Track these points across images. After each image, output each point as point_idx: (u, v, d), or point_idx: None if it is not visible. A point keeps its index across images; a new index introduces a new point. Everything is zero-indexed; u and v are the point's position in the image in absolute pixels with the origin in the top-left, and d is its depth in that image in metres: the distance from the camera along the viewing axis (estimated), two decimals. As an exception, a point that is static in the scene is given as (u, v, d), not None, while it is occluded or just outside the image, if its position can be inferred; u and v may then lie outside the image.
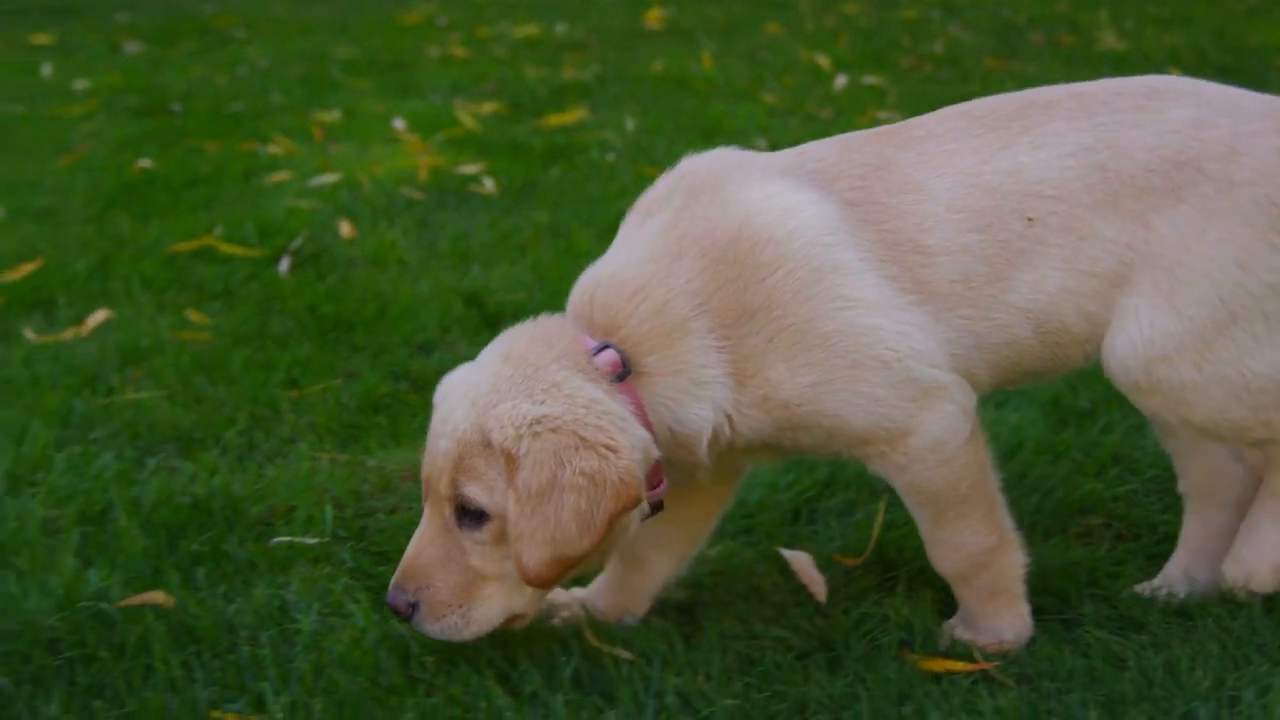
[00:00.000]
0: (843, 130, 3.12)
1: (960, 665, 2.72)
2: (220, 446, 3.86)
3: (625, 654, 2.78)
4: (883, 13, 12.19)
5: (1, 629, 2.91)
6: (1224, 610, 2.83)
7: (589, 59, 10.38)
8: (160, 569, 3.18)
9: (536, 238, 5.58)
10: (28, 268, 5.35)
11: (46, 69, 10.43)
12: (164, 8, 14.36)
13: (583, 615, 2.93)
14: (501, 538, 2.65)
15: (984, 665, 2.72)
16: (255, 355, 4.49)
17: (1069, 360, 2.82)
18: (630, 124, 7.85)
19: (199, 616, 2.96)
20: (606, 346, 2.71)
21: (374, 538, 3.36)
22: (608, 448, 2.58)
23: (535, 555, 2.58)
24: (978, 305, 2.72)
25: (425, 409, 2.98)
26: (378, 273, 5.31)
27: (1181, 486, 3.04)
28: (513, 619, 2.75)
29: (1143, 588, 2.99)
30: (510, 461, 2.59)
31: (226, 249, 5.59)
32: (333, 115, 8.38)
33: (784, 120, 7.72)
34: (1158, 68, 8.26)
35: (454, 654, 2.79)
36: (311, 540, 3.31)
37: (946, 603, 2.91)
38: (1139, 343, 2.67)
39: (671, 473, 2.81)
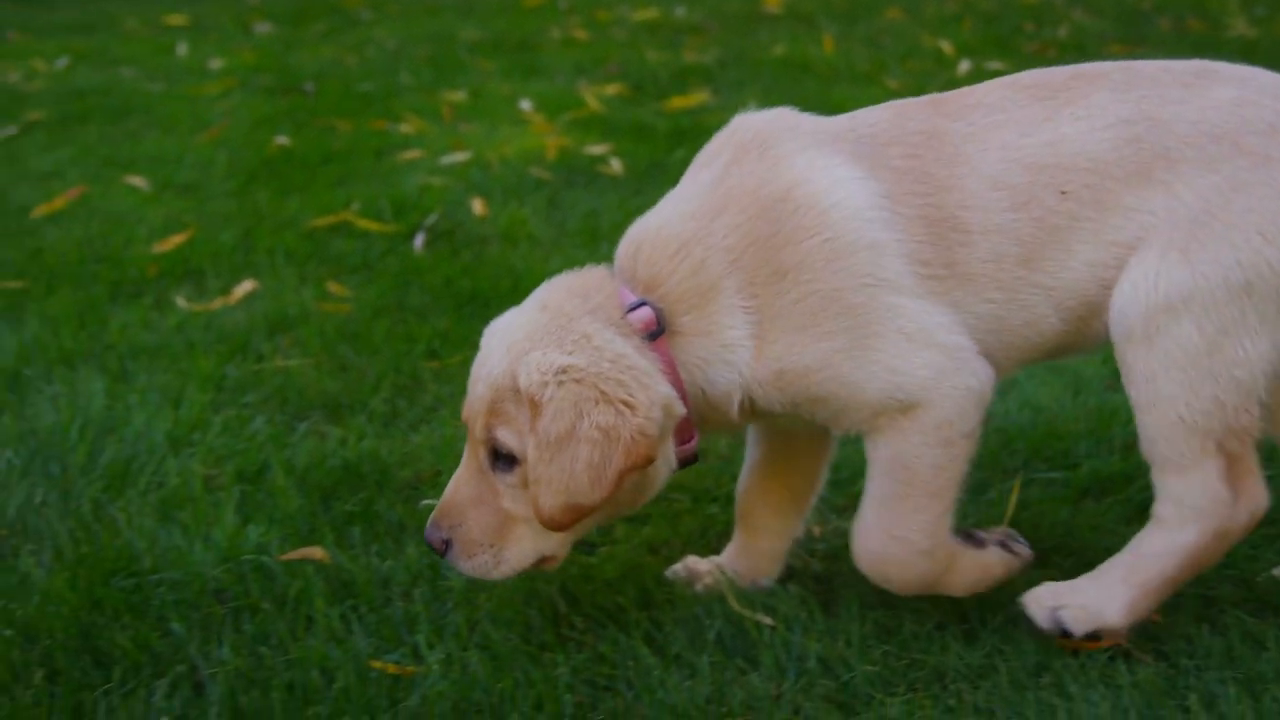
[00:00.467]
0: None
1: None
2: (367, 413, 4.00)
3: (766, 619, 2.86)
4: (1005, -3, 12.08)
5: (171, 578, 3.07)
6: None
7: (709, 42, 10.43)
8: (315, 527, 3.32)
9: (665, 218, 5.65)
10: (177, 239, 5.55)
11: (182, 49, 10.72)
12: (291, -11, 14.66)
13: (724, 582, 3.01)
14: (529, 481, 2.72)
15: (1121, 640, 2.75)
16: (395, 327, 4.62)
17: (1093, 334, 2.80)
18: (753, 107, 7.88)
19: (355, 572, 3.09)
20: (644, 303, 2.77)
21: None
22: (625, 403, 2.64)
23: (550, 501, 2.65)
24: (1005, 287, 2.74)
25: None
26: (510, 249, 5.42)
27: None
28: (544, 561, 2.83)
29: (1280, 570, 3.00)
30: (534, 408, 2.66)
31: (363, 224, 5.74)
32: (460, 95, 8.53)
33: (908, 105, 7.70)
34: (1291, 55, 8.12)
35: (603, 614, 2.89)
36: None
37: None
38: (1144, 289, 2.64)
39: (770, 431, 2.87)
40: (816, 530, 3.29)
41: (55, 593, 2.99)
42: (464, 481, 2.81)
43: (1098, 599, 2.72)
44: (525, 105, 8.08)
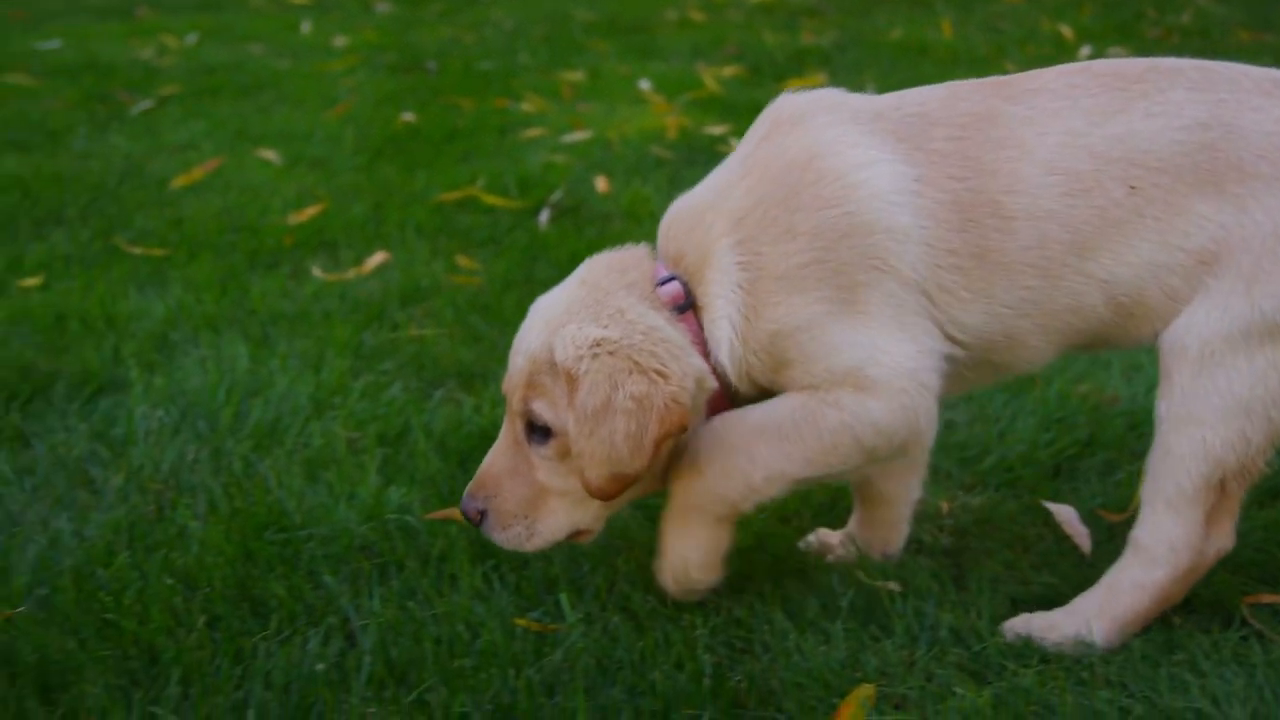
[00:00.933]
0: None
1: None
2: (499, 382, 4.09)
3: (897, 588, 2.91)
4: (1127, -18, 11.92)
5: (319, 534, 3.19)
6: None
7: (826, 25, 10.44)
8: (455, 489, 3.42)
9: (786, 198, 5.70)
10: (310, 211, 5.71)
11: (306, 26, 10.94)
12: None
13: (854, 553, 3.07)
14: (565, 453, 2.76)
15: (1253, 621, 2.77)
16: (525, 300, 4.67)
17: (1138, 334, 2.76)
18: (871, 90, 7.90)
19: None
20: (673, 278, 2.81)
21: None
22: (658, 373, 2.67)
23: (596, 473, 2.68)
24: (1049, 274, 2.70)
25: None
26: (634, 226, 5.50)
27: None
28: (577, 534, 2.87)
29: None
30: (570, 381, 2.69)
31: (489, 200, 5.86)
32: (578, 75, 8.63)
33: (1028, 89, 7.66)
34: None
35: (736, 580, 2.97)
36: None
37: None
38: (1207, 315, 2.62)
39: None
40: (945, 506, 3.33)
41: (213, 544, 3.13)
42: (501, 453, 2.86)
43: (1073, 633, 2.72)
44: (644, 85, 8.16)
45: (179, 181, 6.29)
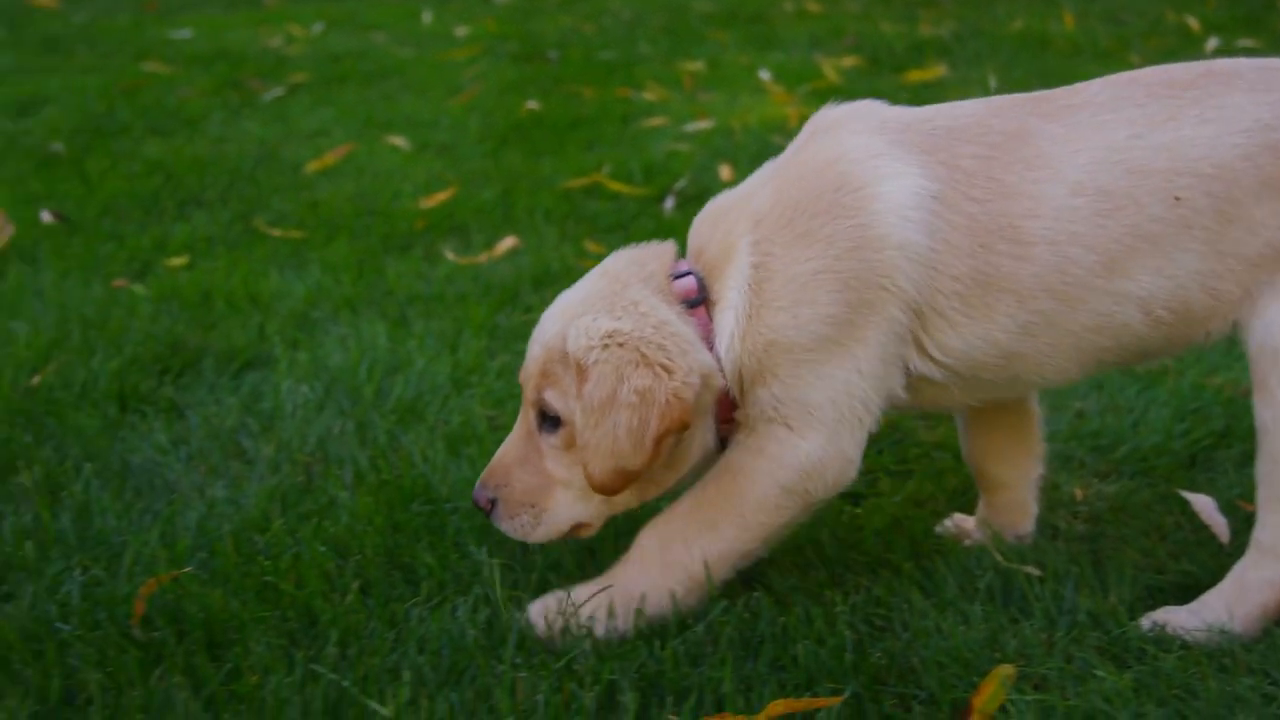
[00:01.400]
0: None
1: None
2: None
3: (1035, 571, 2.94)
4: (1255, -27, 11.70)
5: (464, 507, 3.28)
6: None
7: (944, 16, 10.39)
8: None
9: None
10: (441, 196, 5.83)
11: (427, 16, 11.12)
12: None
13: (991, 536, 3.09)
14: (572, 443, 2.75)
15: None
16: (653, 285, 4.79)
17: (1185, 340, 2.73)
18: (993, 82, 7.87)
19: (640, 515, 3.25)
20: (689, 273, 2.79)
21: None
22: (664, 367, 2.65)
23: (599, 466, 2.67)
24: (1067, 297, 2.64)
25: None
26: (759, 214, 5.54)
27: None
28: (579, 527, 2.86)
29: None
30: (580, 372, 2.68)
31: (614, 186, 5.94)
32: (698, 65, 8.69)
33: (1155, 81, 7.58)
34: None
35: (874, 561, 3.01)
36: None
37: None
38: None
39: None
40: (1079, 493, 3.35)
41: (362, 514, 3.24)
42: (514, 443, 2.87)
43: (1209, 623, 2.70)
44: (764, 76, 8.20)
45: (312, 166, 6.46)
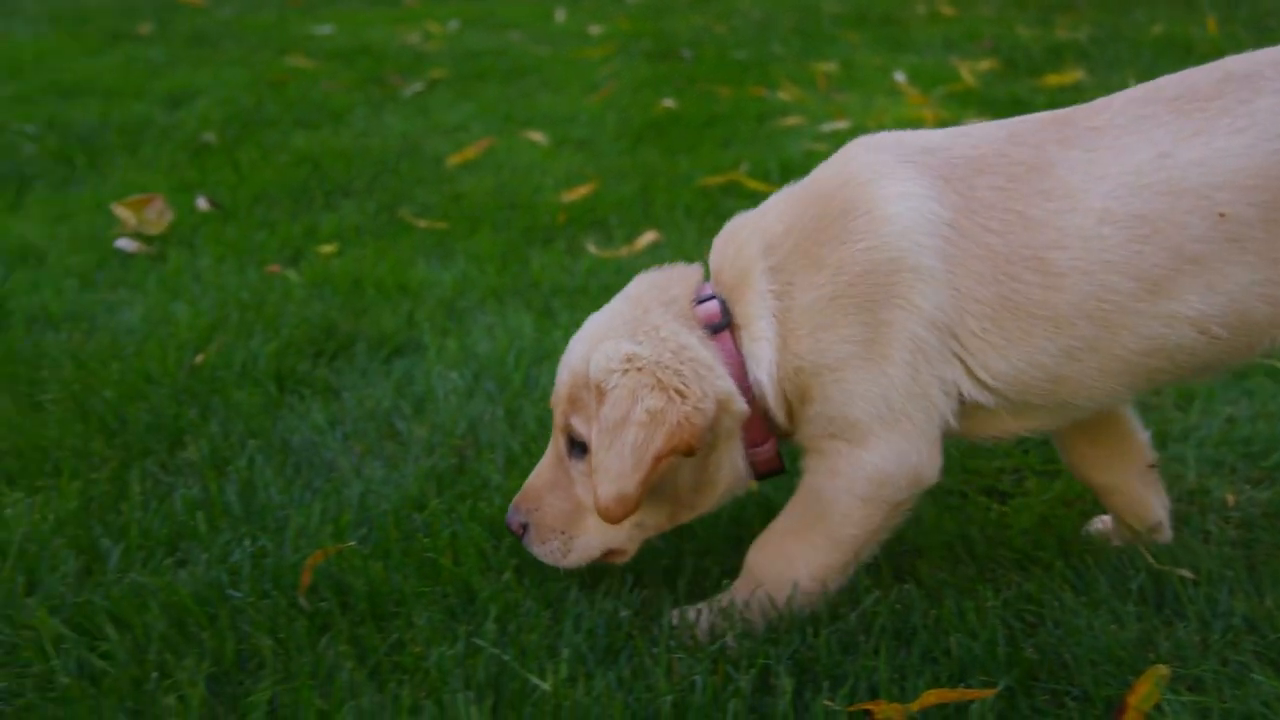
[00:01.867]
0: None
1: None
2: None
3: (1189, 574, 2.93)
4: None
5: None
6: None
7: (1081, 19, 10.27)
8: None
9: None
10: (581, 190, 5.92)
11: (560, 15, 11.26)
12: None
13: (1141, 538, 3.08)
14: None
15: None
16: (793, 282, 4.83)
17: (1251, 349, 2.65)
18: (1132, 84, 7.76)
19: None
20: (713, 297, 2.77)
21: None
22: (678, 391, 2.63)
23: (604, 489, 2.65)
24: (1108, 323, 2.59)
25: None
26: (897, 215, 5.55)
27: None
28: (612, 554, 2.86)
29: None
30: (599, 395, 2.68)
31: (752, 185, 5.98)
32: (831, 66, 8.70)
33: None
34: None
35: (1023, 558, 3.02)
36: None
37: None
38: None
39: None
40: (1230, 499, 3.32)
41: (510, 494, 3.31)
42: (545, 468, 2.87)
43: None
44: (899, 78, 8.18)
45: (454, 160, 6.59)
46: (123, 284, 5.03)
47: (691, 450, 2.66)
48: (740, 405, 2.72)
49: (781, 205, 2.78)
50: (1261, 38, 9.10)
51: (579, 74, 8.64)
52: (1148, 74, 8.16)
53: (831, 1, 11.53)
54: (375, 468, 3.54)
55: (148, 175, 6.50)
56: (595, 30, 10.38)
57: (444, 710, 2.54)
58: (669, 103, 7.61)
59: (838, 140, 6.62)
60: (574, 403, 2.77)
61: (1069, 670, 2.65)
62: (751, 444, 2.79)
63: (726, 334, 2.76)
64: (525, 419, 3.79)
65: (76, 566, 3.06)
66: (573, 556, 2.84)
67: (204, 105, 8.03)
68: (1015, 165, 2.64)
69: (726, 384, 2.70)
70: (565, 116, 7.46)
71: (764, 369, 2.73)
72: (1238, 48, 8.26)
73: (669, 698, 2.54)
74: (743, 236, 2.78)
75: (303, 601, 2.90)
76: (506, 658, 2.67)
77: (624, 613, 2.84)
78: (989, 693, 2.54)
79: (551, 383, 3.98)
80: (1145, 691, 2.55)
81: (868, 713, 2.52)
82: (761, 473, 2.86)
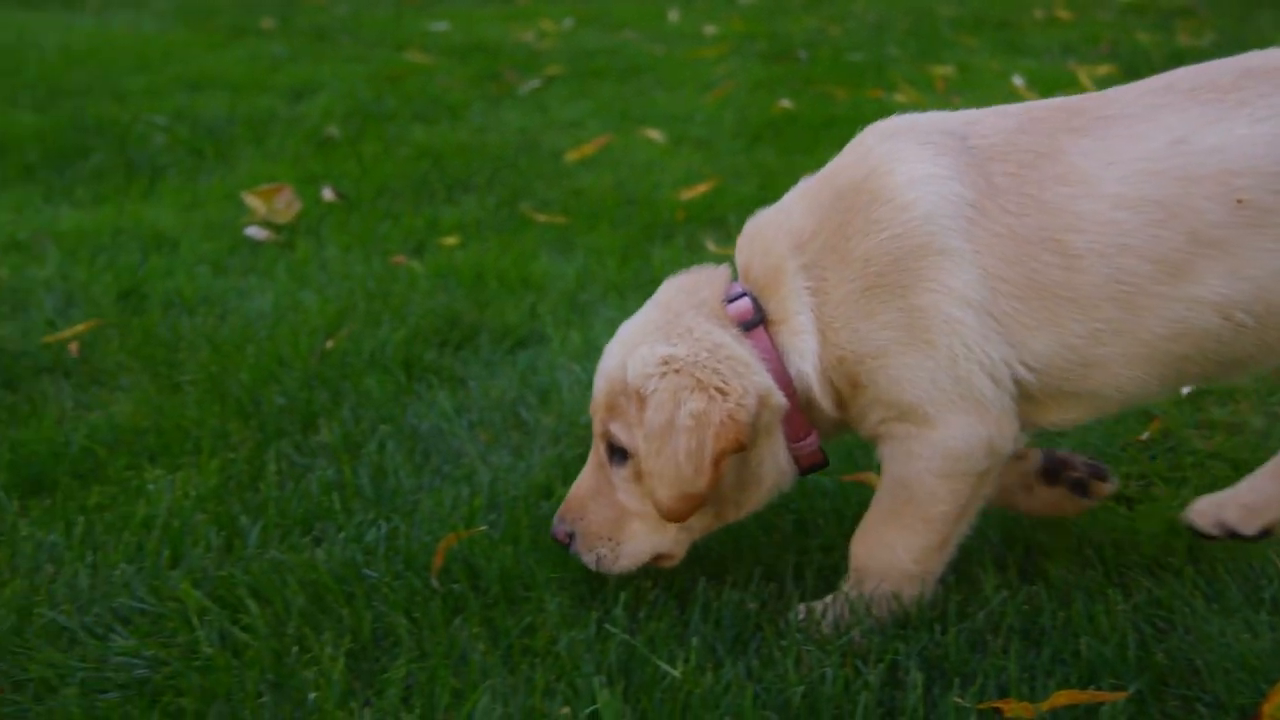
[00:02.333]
0: None
1: None
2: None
3: (1328, 586, 2.90)
4: None
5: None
6: None
7: (1203, 26, 10.11)
8: (867, 454, 3.57)
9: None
10: (700, 188, 5.96)
11: (674, 15, 11.31)
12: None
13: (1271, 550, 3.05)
14: (640, 475, 2.76)
15: None
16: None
17: None
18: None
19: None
20: (744, 294, 2.77)
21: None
22: (719, 390, 2.65)
23: (664, 493, 2.69)
24: (1132, 305, 2.59)
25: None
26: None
27: None
28: (660, 558, 2.87)
29: None
30: (639, 400, 2.70)
31: (870, 186, 5.98)
32: (948, 69, 8.65)
33: None
34: None
35: (1151, 563, 3.01)
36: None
37: None
38: None
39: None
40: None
41: (641, 487, 3.36)
42: (587, 476, 2.88)
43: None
44: (1018, 81, 8.12)
45: (572, 156, 6.66)
46: (253, 271, 5.16)
47: (743, 446, 2.69)
48: (779, 399, 2.74)
49: (805, 200, 2.80)
50: (1392, 46, 8.90)
51: (694, 73, 8.68)
52: (1274, 81, 7.99)
53: (946, 4, 11.46)
54: (502, 455, 3.60)
55: (274, 166, 6.66)
56: (709, 30, 10.42)
57: (577, 693, 2.59)
58: (786, 103, 7.63)
59: (956, 143, 6.64)
60: (612, 409, 2.80)
61: (1200, 677, 2.64)
62: (794, 439, 2.82)
63: (761, 330, 2.78)
64: (649, 412, 3.82)
65: (218, 542, 3.16)
66: (622, 562, 2.86)
67: (325, 99, 8.19)
68: (1025, 153, 2.65)
69: (765, 379, 2.73)
70: (682, 115, 7.50)
71: (808, 361, 2.75)
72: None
73: (799, 689, 2.57)
74: (769, 234, 2.79)
75: (435, 583, 2.97)
76: (637, 644, 2.71)
77: (751, 604, 2.87)
78: (1120, 696, 2.54)
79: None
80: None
81: (997, 711, 2.52)
82: (805, 468, 2.89)
